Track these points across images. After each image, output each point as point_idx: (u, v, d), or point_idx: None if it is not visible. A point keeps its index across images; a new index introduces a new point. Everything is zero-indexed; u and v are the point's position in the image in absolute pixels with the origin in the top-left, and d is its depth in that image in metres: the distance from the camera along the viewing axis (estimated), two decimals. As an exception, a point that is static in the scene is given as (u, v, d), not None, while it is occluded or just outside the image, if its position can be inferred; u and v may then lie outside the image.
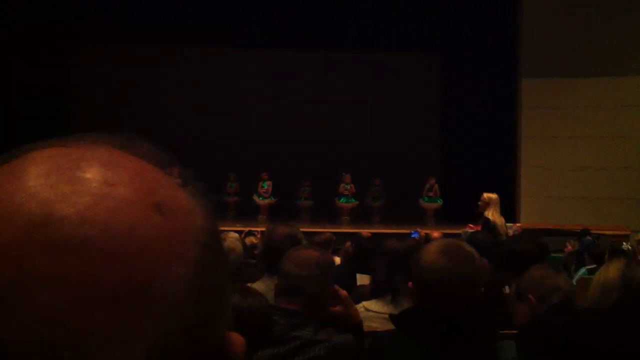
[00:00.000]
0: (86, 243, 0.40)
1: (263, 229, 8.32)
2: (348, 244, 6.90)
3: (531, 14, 15.25)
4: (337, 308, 2.62)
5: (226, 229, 7.31)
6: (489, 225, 7.74)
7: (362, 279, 4.64)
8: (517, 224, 12.57)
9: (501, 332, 2.78)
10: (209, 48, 17.66)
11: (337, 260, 6.55)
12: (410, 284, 2.24)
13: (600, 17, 14.78)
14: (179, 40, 17.08)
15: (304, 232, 6.20)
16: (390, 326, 2.36)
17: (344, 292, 2.71)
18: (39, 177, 0.43)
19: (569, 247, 8.36)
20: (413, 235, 8.99)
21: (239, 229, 8.34)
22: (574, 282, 6.36)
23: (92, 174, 0.44)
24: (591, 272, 6.20)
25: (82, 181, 0.44)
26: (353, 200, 16.30)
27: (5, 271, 0.39)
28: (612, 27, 14.73)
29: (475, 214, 9.10)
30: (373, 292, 3.52)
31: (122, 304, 0.40)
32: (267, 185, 16.20)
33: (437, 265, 2.11)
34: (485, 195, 8.39)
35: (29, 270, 0.39)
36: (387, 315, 2.67)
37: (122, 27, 16.46)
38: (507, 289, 3.66)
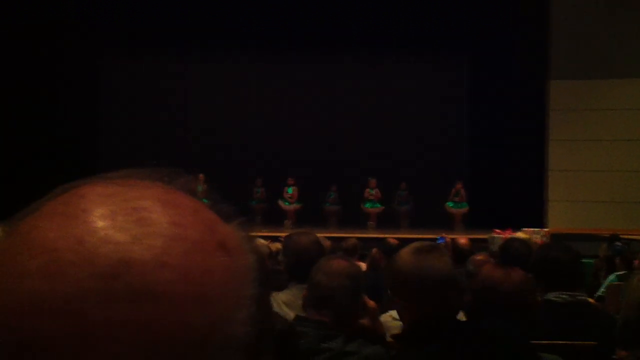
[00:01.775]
0: (166, 289, 0.39)
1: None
2: (375, 250, 6.87)
3: (560, 15, 15.10)
4: (365, 320, 2.60)
5: (253, 234, 7.34)
6: None
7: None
8: (545, 229, 12.46)
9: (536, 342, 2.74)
10: (234, 54, 17.70)
11: (363, 266, 6.53)
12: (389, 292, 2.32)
13: (629, 19, 14.61)
14: (200, 48, 17.18)
15: (331, 238, 6.19)
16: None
17: (372, 303, 2.69)
18: (105, 219, 0.41)
19: (601, 253, 8.25)
20: (439, 242, 8.93)
21: (265, 234, 8.34)
22: (603, 288, 6.30)
23: (158, 214, 0.42)
24: (621, 278, 6.11)
25: (151, 222, 0.41)
26: (379, 205, 16.25)
27: (86, 323, 0.37)
28: (642, 28, 14.55)
29: None
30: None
31: (203, 351, 0.39)
32: (292, 191, 16.20)
33: (408, 263, 2.16)
34: None
35: (108, 322, 0.37)
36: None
37: (144, 36, 16.57)
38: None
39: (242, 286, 0.43)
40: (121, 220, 0.41)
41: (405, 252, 2.25)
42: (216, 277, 0.41)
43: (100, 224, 0.41)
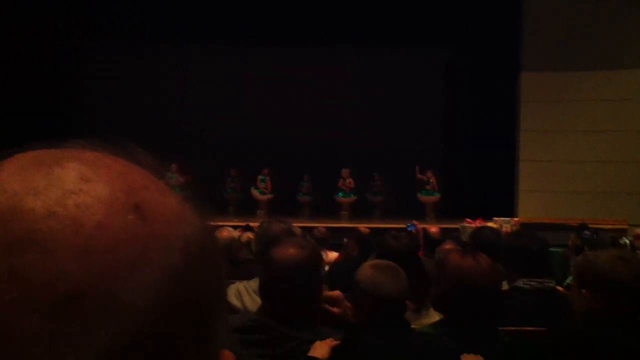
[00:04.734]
0: (49, 237, 0.38)
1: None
2: (347, 239, 6.88)
3: (533, 8, 15.21)
4: (336, 310, 2.60)
5: (224, 223, 7.27)
6: None
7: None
8: (515, 219, 12.58)
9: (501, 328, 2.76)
10: (209, 43, 17.60)
11: (335, 255, 6.54)
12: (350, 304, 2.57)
13: (601, 11, 14.75)
14: (177, 36, 17.05)
15: (303, 228, 6.18)
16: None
17: (336, 293, 2.70)
18: (14, 173, 0.42)
19: (570, 242, 8.34)
20: (410, 228, 8.97)
21: (237, 223, 8.30)
22: (571, 277, 6.37)
23: (67, 170, 0.42)
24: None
25: (57, 176, 0.41)
26: (352, 195, 16.28)
27: None
28: (612, 20, 14.70)
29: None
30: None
31: (76, 307, 0.37)
32: (266, 181, 16.16)
33: (369, 278, 2.44)
34: None
35: None
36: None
37: (123, 23, 16.42)
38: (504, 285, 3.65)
39: (150, 252, 0.41)
40: (28, 173, 0.41)
41: (365, 267, 2.53)
42: (114, 235, 0.40)
43: (4, 176, 0.41)
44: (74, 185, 0.41)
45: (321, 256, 2.64)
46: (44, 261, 0.38)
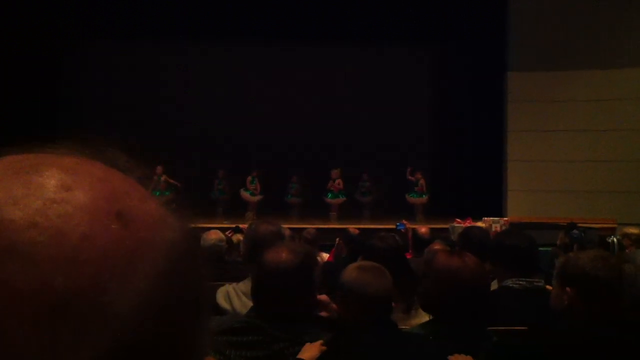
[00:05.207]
0: (32, 249, 0.37)
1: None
2: (338, 240, 6.89)
3: (519, 7, 15.27)
4: (324, 314, 2.61)
5: (213, 226, 7.25)
6: None
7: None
8: (505, 218, 12.62)
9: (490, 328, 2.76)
10: (201, 43, 17.56)
11: (325, 256, 6.54)
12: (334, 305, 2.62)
13: (588, 10, 14.82)
14: (169, 36, 17.00)
15: (293, 229, 6.18)
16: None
17: (323, 297, 2.71)
18: None
19: (559, 240, 8.37)
20: (399, 227, 8.99)
21: (225, 225, 8.28)
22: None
23: (48, 178, 0.41)
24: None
25: (37, 185, 0.40)
26: (340, 196, 16.28)
27: None
28: (600, 20, 14.77)
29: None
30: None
31: (62, 318, 0.37)
32: (255, 182, 16.12)
33: (353, 279, 2.46)
34: None
35: None
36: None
37: (118, 21, 16.36)
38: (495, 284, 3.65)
39: (135, 260, 0.40)
40: (8, 181, 0.40)
41: (350, 268, 2.56)
42: (96, 243, 0.39)
43: None
44: (55, 194, 0.40)
45: (316, 260, 2.65)
46: (29, 272, 0.37)
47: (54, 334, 0.36)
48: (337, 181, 16.26)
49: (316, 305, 2.60)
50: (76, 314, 0.37)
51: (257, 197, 16.02)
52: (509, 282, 3.42)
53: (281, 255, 2.40)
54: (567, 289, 2.41)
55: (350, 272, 2.51)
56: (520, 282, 3.40)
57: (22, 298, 0.36)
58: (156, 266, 0.41)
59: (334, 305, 2.67)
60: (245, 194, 16.10)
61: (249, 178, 16.16)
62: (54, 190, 0.40)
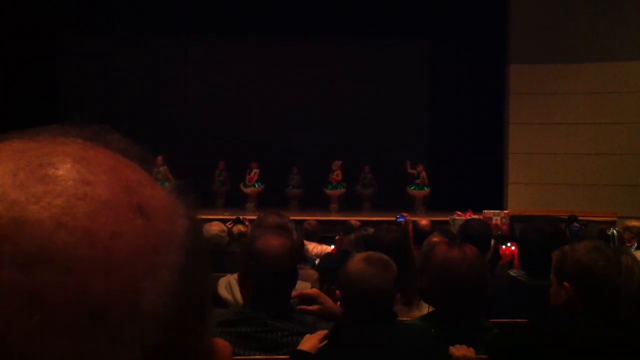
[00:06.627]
0: (63, 252, 0.35)
1: (252, 217, 8.29)
2: (342, 234, 6.89)
3: (519, 0, 15.23)
4: (314, 307, 2.60)
5: (213, 216, 7.26)
6: None
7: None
8: (505, 211, 12.63)
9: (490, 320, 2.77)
10: (200, 37, 17.53)
11: (329, 248, 6.56)
12: (337, 292, 2.59)
13: (589, 3, 14.78)
14: (169, 29, 16.97)
15: (294, 221, 6.19)
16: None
17: (312, 290, 2.71)
18: (5, 175, 0.38)
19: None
20: (399, 220, 8.99)
21: (226, 217, 8.28)
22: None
23: (65, 171, 0.39)
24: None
25: (56, 180, 0.38)
26: (340, 187, 16.27)
27: None
28: (601, 12, 14.73)
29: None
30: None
31: (101, 325, 0.35)
32: (255, 174, 16.09)
33: (359, 271, 2.41)
34: None
35: None
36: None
37: (114, 15, 16.33)
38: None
39: (160, 254, 0.39)
40: (23, 177, 0.38)
41: (357, 260, 2.51)
42: (126, 241, 0.37)
43: None
44: (76, 190, 0.38)
45: (297, 247, 2.65)
46: (63, 279, 0.35)
47: (93, 342, 0.35)
48: (336, 172, 16.25)
49: (301, 300, 2.61)
50: (114, 319, 0.36)
51: (254, 189, 15.95)
52: (513, 272, 3.43)
53: (270, 242, 2.38)
54: (565, 284, 2.39)
55: (356, 263, 2.47)
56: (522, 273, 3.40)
57: (58, 309, 0.34)
58: (176, 257, 0.40)
59: (324, 298, 2.67)
60: (244, 186, 16.05)
61: (248, 170, 16.13)
62: (74, 185, 0.38)
